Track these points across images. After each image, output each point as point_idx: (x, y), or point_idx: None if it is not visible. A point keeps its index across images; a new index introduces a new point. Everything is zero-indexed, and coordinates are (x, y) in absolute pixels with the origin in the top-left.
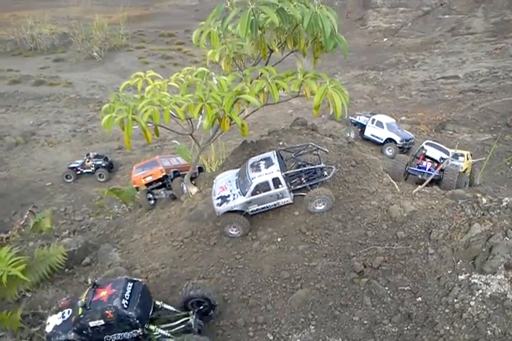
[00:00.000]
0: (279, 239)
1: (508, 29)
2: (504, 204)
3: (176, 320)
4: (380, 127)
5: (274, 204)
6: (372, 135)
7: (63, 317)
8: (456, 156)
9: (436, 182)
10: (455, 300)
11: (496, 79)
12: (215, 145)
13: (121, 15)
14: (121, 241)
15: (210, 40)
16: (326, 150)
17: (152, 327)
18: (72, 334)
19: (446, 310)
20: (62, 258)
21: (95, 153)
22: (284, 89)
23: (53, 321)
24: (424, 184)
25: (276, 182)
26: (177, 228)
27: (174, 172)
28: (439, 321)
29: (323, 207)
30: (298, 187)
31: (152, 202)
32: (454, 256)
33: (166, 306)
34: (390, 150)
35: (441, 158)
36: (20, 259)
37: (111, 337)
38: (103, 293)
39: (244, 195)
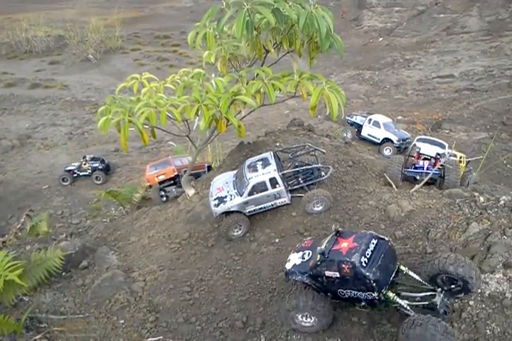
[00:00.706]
0: (277, 240)
1: (503, 28)
2: (501, 202)
3: (419, 292)
4: (377, 127)
5: (272, 205)
6: (369, 135)
7: (303, 257)
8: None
9: (434, 181)
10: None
11: (491, 77)
12: (211, 147)
13: (116, 18)
14: (119, 244)
15: (205, 41)
16: (322, 150)
17: (390, 295)
18: (308, 278)
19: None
20: (60, 261)
21: (92, 156)
22: (280, 90)
23: (293, 259)
24: (422, 183)
25: (273, 182)
26: (174, 230)
27: (185, 171)
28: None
29: (320, 208)
30: (295, 187)
31: (164, 198)
32: None
33: (411, 274)
34: (388, 150)
35: (438, 154)
36: (18, 264)
37: (344, 291)
38: (344, 244)
39: (241, 196)
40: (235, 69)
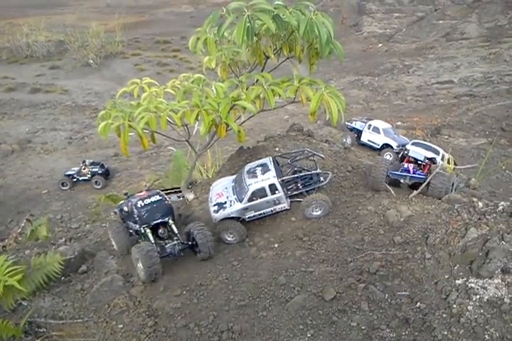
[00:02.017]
0: (276, 245)
1: (502, 34)
2: (500, 208)
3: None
4: (377, 132)
5: (271, 211)
6: (368, 140)
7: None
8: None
9: (417, 186)
10: (453, 305)
11: (490, 83)
12: (211, 152)
13: (116, 23)
14: None
15: (206, 46)
16: (322, 155)
17: (147, 230)
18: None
19: (444, 315)
20: (59, 266)
21: (91, 160)
22: (279, 96)
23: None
24: (420, 188)
25: (272, 188)
26: None
27: None
28: (436, 326)
29: (319, 212)
30: (294, 193)
31: None
32: (451, 261)
33: (173, 227)
34: (388, 156)
35: (426, 158)
36: (17, 269)
37: (129, 222)
38: (139, 194)
39: (240, 202)
40: (235, 74)
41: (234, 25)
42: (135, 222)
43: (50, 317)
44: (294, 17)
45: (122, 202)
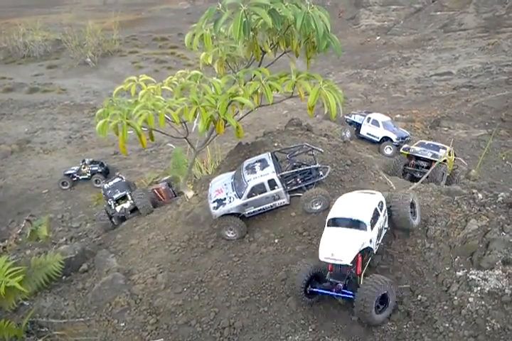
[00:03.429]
0: (276, 241)
1: (500, 24)
2: (500, 199)
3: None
4: (376, 125)
5: (271, 206)
6: (368, 133)
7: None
8: (437, 148)
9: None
10: (454, 297)
11: (489, 74)
12: (210, 148)
13: (113, 21)
14: (119, 247)
15: (202, 42)
16: (320, 150)
17: (111, 202)
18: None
19: (445, 307)
20: (59, 266)
21: (91, 159)
22: (277, 90)
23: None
24: (420, 181)
25: (271, 183)
26: (174, 232)
27: None
28: (438, 318)
29: (319, 207)
30: (294, 188)
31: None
32: (452, 253)
33: (129, 197)
34: (389, 149)
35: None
36: (18, 269)
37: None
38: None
39: (240, 198)
40: (232, 70)
41: (230, 21)
42: (106, 199)
43: (52, 317)
44: (290, 11)
45: None
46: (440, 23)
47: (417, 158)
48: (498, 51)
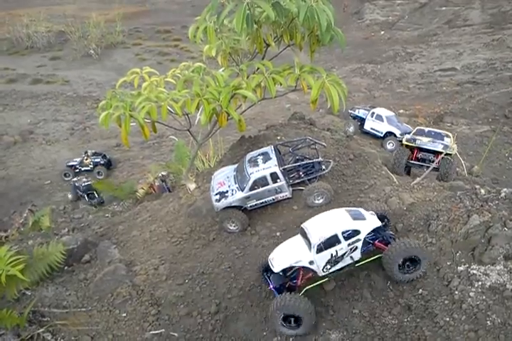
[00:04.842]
0: (278, 234)
1: (506, 20)
2: (503, 195)
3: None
4: (380, 120)
5: (273, 199)
6: (371, 128)
7: None
8: (441, 137)
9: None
10: (455, 292)
11: (493, 70)
12: (213, 141)
13: (117, 13)
14: (121, 238)
15: (206, 35)
16: (323, 144)
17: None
18: None
19: (446, 301)
20: (61, 256)
21: (93, 151)
22: (281, 84)
23: None
24: (423, 176)
25: (274, 176)
26: (176, 224)
27: None
28: (438, 312)
29: (321, 200)
30: (296, 181)
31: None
32: (453, 248)
33: (95, 193)
34: (391, 145)
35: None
36: (20, 259)
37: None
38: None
39: (242, 191)
40: (235, 63)
41: (234, 13)
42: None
43: (54, 307)
44: (294, 4)
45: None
46: (445, 19)
47: (422, 150)
48: (502, 47)
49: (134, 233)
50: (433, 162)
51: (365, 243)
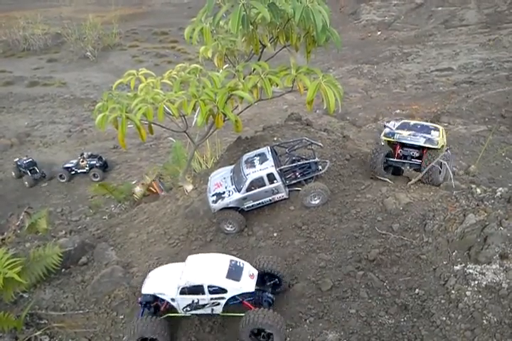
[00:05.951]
0: (275, 234)
1: (502, 20)
2: (498, 194)
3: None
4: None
5: (270, 200)
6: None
7: None
8: (427, 130)
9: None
10: (451, 291)
11: (489, 70)
12: (210, 142)
13: (113, 15)
14: (118, 240)
15: (202, 36)
16: (320, 144)
17: (27, 171)
18: None
19: (443, 301)
20: (58, 258)
21: (89, 153)
22: (277, 85)
23: None
24: (420, 176)
25: (270, 177)
26: (173, 225)
27: None
28: (435, 312)
29: (318, 201)
30: (293, 182)
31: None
32: (450, 247)
33: (36, 168)
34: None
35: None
36: (17, 261)
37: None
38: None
39: (239, 192)
40: (232, 64)
41: (229, 15)
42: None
43: (51, 309)
44: (289, 5)
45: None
46: (441, 19)
47: (404, 145)
48: (498, 47)
49: (131, 235)
50: (417, 158)
51: (233, 299)
